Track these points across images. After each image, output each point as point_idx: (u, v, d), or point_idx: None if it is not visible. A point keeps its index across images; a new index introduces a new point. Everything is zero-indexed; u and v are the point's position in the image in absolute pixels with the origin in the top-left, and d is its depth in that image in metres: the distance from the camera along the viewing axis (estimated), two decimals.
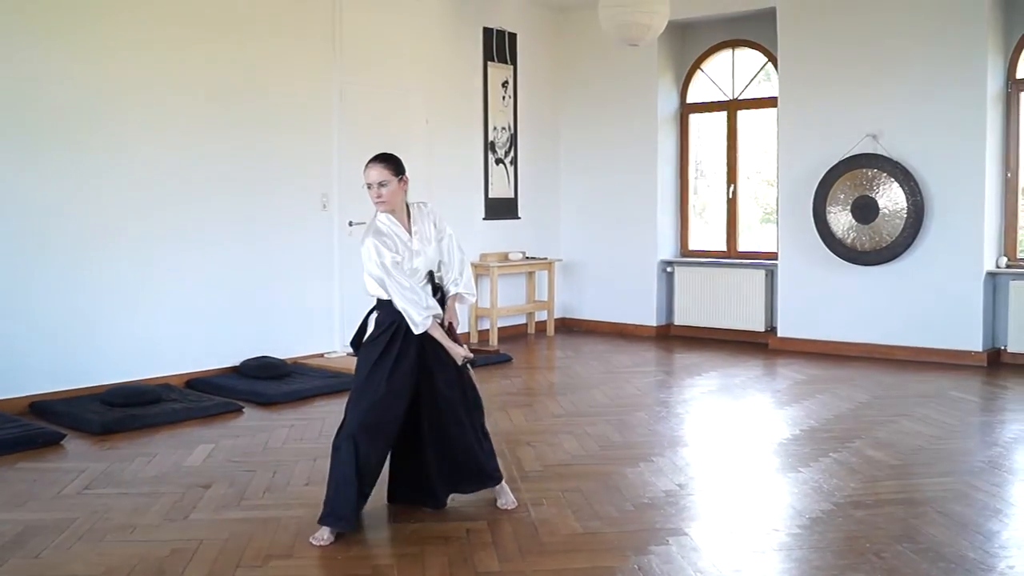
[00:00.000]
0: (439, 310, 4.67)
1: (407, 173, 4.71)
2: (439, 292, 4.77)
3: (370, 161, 4.65)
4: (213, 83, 8.03)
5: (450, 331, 4.72)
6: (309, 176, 8.80)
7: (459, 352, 4.68)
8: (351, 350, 4.95)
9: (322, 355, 8.92)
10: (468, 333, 10.27)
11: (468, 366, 4.74)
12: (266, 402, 7.28)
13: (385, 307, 4.63)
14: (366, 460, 4.48)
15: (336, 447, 4.55)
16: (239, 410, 7.05)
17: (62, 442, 6.14)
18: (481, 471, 4.81)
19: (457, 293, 4.81)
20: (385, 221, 4.65)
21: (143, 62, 7.57)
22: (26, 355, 6.98)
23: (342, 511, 4.41)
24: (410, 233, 4.68)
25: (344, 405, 4.65)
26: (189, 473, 5.46)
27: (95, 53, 7.29)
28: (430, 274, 4.74)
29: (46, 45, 7.02)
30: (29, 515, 4.73)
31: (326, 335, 9.03)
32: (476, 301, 4.86)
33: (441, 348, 4.66)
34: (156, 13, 7.65)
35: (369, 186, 4.62)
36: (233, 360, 8.19)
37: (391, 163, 4.65)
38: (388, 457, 4.75)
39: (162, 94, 7.70)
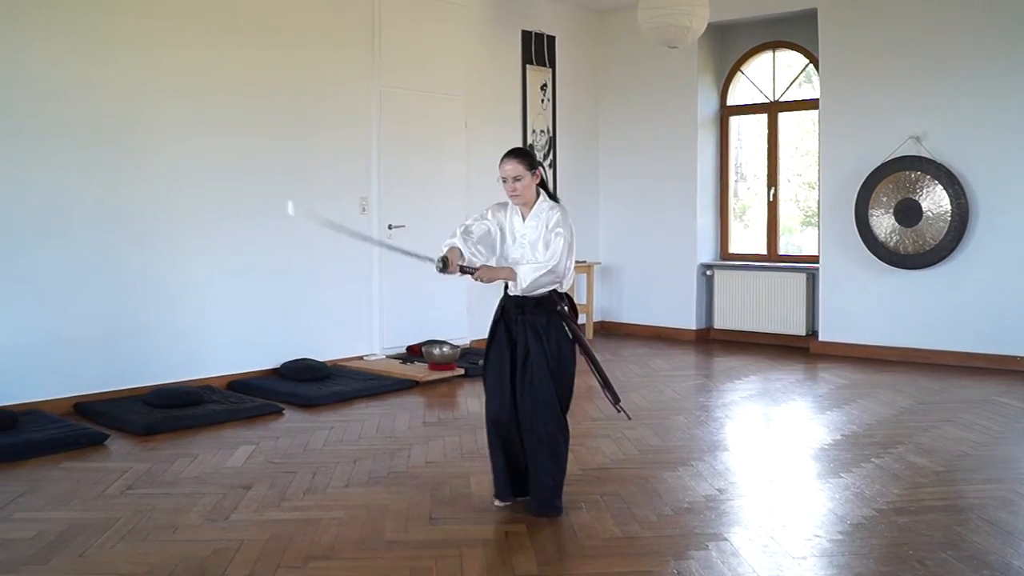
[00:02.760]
0: (454, 245, 4.78)
1: (538, 168, 4.88)
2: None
3: (505, 156, 4.83)
4: (254, 87, 8.08)
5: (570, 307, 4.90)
6: (349, 180, 8.83)
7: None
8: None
9: (361, 358, 8.95)
10: None
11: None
12: (306, 404, 7.32)
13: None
14: (506, 445, 4.83)
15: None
16: (280, 412, 7.10)
17: (106, 442, 6.20)
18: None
19: (521, 266, 4.77)
20: (509, 204, 4.91)
21: (183, 65, 7.63)
22: (71, 357, 7.05)
23: (495, 486, 4.88)
24: (523, 220, 4.86)
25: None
26: (230, 474, 5.50)
27: (134, 55, 7.35)
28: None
29: (84, 46, 7.09)
30: (73, 514, 4.78)
31: (365, 338, 9.07)
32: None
33: (539, 343, 4.75)
34: (195, 16, 7.71)
35: (504, 180, 4.80)
36: (274, 362, 8.25)
37: (525, 158, 4.82)
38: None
39: (203, 98, 7.77)
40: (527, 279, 4.71)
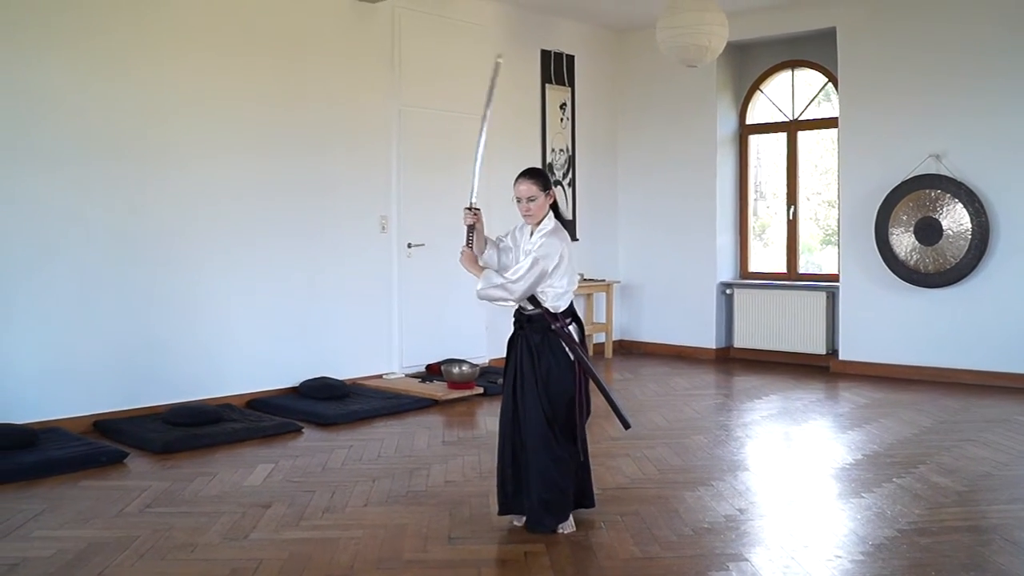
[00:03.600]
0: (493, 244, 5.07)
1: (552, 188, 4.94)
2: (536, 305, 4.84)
3: (519, 176, 4.89)
4: (274, 106, 8.12)
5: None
6: (368, 199, 8.86)
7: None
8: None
9: (380, 376, 8.95)
10: None
11: None
12: (325, 423, 7.31)
13: None
14: (500, 458, 4.88)
15: None
16: (299, 430, 7.10)
17: (125, 460, 6.21)
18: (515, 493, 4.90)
19: (487, 272, 4.88)
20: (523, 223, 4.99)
21: (202, 84, 7.68)
22: (90, 375, 7.08)
23: (500, 498, 4.89)
24: (530, 237, 4.90)
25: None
26: (249, 493, 5.50)
27: (153, 74, 7.40)
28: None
29: (102, 64, 7.14)
30: (92, 532, 4.79)
31: (385, 356, 9.07)
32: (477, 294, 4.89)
33: (531, 361, 4.80)
34: (215, 35, 7.76)
35: (518, 200, 4.86)
36: (293, 381, 8.25)
37: (539, 178, 4.87)
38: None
39: (222, 116, 7.81)
40: (478, 285, 4.82)
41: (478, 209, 5.02)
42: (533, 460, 4.75)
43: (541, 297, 4.79)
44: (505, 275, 4.78)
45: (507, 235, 5.08)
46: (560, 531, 4.74)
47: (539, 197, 4.82)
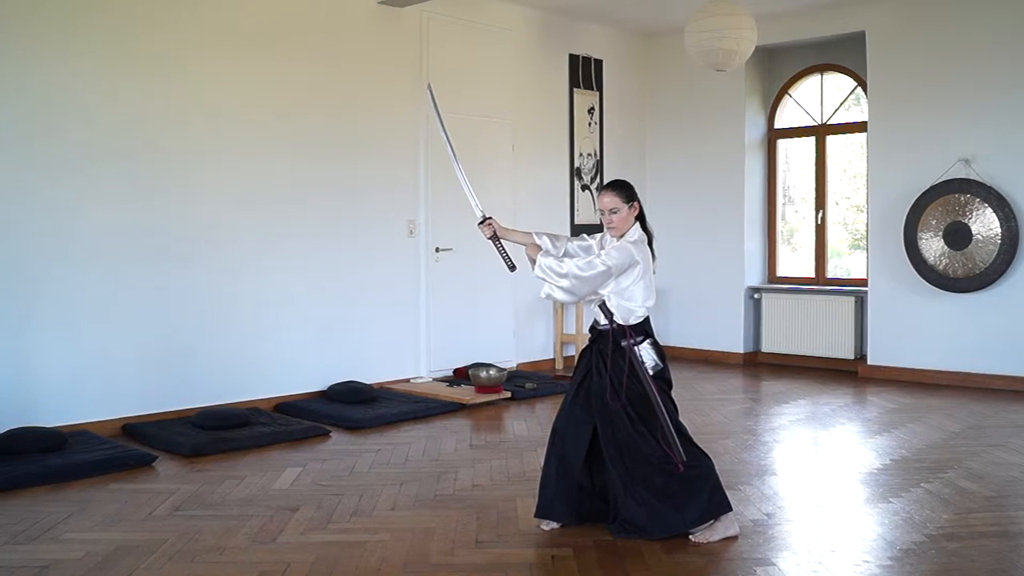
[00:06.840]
0: (541, 235, 5.02)
1: (636, 200, 4.89)
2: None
3: (603, 188, 4.91)
4: (302, 111, 8.16)
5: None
6: (396, 203, 8.89)
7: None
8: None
9: (408, 380, 8.97)
10: (554, 359, 10.27)
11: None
12: (353, 426, 7.34)
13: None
14: (560, 457, 4.82)
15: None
16: (326, 434, 7.12)
17: (153, 464, 6.25)
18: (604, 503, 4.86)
19: (544, 250, 4.90)
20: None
21: (230, 88, 7.73)
22: (120, 379, 7.13)
23: (539, 500, 4.86)
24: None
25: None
26: (277, 496, 5.53)
27: (182, 78, 7.46)
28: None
29: (131, 68, 7.20)
30: (121, 535, 4.82)
31: (412, 360, 9.09)
32: (554, 302, 4.85)
33: (597, 364, 4.81)
34: (244, 40, 7.82)
35: (602, 212, 4.87)
36: (321, 384, 8.29)
37: (623, 190, 4.86)
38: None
39: (251, 121, 7.86)
40: (538, 270, 4.80)
41: (489, 217, 5.04)
42: (620, 470, 4.71)
43: (611, 306, 4.77)
44: (574, 267, 4.71)
45: (594, 236, 5.04)
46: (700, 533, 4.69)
47: (622, 209, 4.80)
